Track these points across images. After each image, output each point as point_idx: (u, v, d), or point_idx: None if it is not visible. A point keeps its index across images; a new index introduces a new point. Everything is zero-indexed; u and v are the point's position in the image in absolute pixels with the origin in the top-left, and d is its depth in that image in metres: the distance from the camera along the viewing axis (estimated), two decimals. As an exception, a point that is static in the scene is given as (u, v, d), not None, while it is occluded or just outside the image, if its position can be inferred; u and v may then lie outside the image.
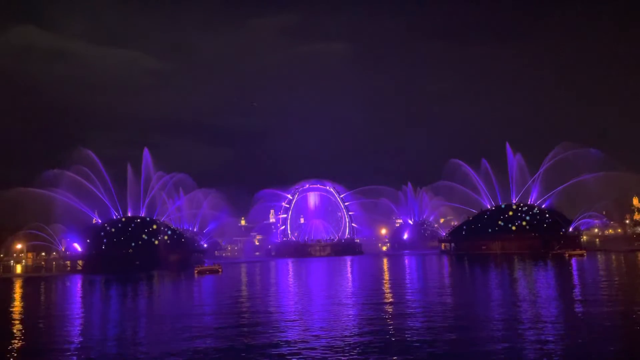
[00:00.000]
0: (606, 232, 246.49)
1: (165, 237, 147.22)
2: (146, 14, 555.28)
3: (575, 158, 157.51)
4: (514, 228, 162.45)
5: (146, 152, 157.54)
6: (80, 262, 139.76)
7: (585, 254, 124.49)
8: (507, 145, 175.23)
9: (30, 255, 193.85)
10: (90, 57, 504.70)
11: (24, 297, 72.05)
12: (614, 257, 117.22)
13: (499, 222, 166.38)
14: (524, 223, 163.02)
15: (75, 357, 30.91)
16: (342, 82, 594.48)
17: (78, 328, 42.70)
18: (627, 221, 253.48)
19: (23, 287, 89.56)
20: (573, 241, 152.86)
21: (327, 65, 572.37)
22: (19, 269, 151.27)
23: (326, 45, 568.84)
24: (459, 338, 32.34)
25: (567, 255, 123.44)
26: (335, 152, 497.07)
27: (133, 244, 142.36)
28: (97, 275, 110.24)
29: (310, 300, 56.57)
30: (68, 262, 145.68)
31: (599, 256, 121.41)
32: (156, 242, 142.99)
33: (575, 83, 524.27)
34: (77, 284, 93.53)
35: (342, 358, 27.73)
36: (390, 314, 43.06)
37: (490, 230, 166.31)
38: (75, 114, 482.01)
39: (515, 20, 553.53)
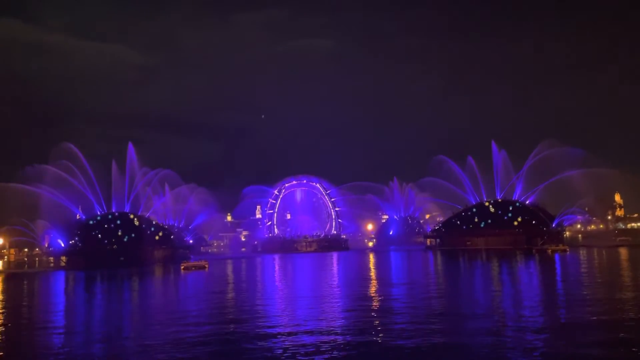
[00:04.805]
0: (589, 228, 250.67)
1: (151, 233, 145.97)
2: (130, 7, 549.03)
3: (557, 156, 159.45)
4: (498, 224, 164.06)
5: (130, 147, 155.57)
6: (63, 258, 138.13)
7: (568, 250, 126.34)
8: (493, 142, 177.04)
9: (12, 251, 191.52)
10: (73, 51, 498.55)
11: (4, 295, 71.03)
12: (596, 252, 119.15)
13: (484, 218, 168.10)
14: (508, 219, 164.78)
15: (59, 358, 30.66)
16: (328, 79, 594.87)
17: (60, 329, 41.94)
18: (609, 217, 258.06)
19: (4, 284, 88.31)
20: (556, 237, 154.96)
21: (314, 61, 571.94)
22: (0, 265, 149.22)
23: (312, 42, 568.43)
24: (442, 335, 32.71)
25: (550, 250, 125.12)
26: (322, 148, 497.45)
27: (117, 240, 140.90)
28: (81, 272, 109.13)
29: (295, 298, 56.72)
30: (51, 258, 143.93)
31: (581, 252, 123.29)
32: (141, 238, 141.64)
33: (559, 81, 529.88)
34: (60, 281, 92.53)
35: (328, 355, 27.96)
36: (375, 311, 43.37)
37: (474, 226, 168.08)
38: (58, 109, 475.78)
39: (500, 18, 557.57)
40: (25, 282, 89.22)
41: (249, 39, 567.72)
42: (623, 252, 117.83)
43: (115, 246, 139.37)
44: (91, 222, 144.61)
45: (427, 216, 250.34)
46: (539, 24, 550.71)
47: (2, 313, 49.85)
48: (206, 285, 73.68)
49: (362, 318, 38.10)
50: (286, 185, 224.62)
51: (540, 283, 60.90)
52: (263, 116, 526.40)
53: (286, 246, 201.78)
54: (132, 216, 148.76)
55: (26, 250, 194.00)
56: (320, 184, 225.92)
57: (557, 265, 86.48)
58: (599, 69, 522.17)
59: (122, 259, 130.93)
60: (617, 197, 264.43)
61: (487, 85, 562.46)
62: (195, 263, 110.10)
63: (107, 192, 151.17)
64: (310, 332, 33.03)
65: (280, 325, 35.89)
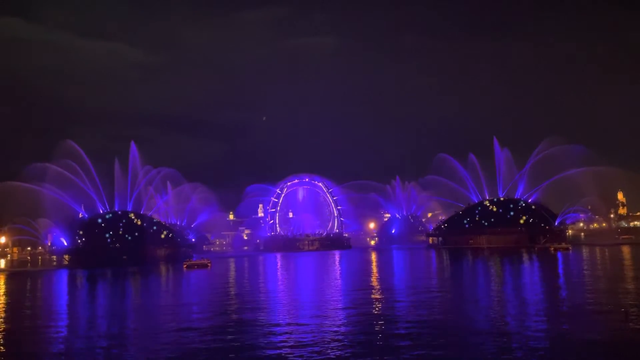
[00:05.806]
0: (591, 226, 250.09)
1: (153, 232, 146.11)
2: (132, 6, 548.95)
3: (560, 154, 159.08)
4: (500, 222, 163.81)
5: (133, 146, 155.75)
6: (66, 256, 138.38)
7: (570, 248, 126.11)
8: (495, 140, 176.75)
9: (15, 249, 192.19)
10: (74, 49, 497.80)
11: (7, 294, 71.17)
12: (598, 250, 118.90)
13: (486, 217, 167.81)
14: (510, 218, 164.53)
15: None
16: (331, 77, 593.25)
17: (63, 328, 41.91)
18: (612, 215, 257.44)
19: (7, 282, 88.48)
20: (559, 235, 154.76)
21: (316, 59, 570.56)
22: (3, 263, 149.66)
23: (315, 39, 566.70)
24: (444, 338, 32.66)
25: (552, 249, 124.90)
26: (324, 147, 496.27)
27: (120, 239, 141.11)
28: (84, 270, 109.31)
29: (297, 300, 56.72)
30: (54, 257, 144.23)
31: (584, 250, 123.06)
32: (143, 236, 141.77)
33: (562, 78, 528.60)
34: (63, 280, 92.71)
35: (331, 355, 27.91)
36: (377, 315, 43.31)
37: (477, 224, 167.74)
38: (61, 107, 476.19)
39: (502, 16, 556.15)
40: (28, 281, 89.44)
41: (250, 36, 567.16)
42: (626, 250, 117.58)
43: (117, 245, 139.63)
44: (94, 221, 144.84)
45: (429, 215, 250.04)
46: (539, 23, 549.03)
47: (4, 312, 49.94)
48: (208, 284, 73.71)
49: (365, 321, 37.71)
50: (288, 183, 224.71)
51: (543, 283, 60.76)
52: (264, 118, 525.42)
53: (288, 245, 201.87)
54: (134, 215, 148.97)
55: (29, 248, 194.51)
56: (322, 182, 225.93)
57: (560, 264, 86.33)
58: (603, 67, 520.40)
59: (124, 257, 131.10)
60: (620, 196, 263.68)
61: (489, 83, 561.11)
62: (198, 261, 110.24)
63: (109, 191, 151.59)
64: (312, 340, 32.88)
65: (282, 331, 35.57)
